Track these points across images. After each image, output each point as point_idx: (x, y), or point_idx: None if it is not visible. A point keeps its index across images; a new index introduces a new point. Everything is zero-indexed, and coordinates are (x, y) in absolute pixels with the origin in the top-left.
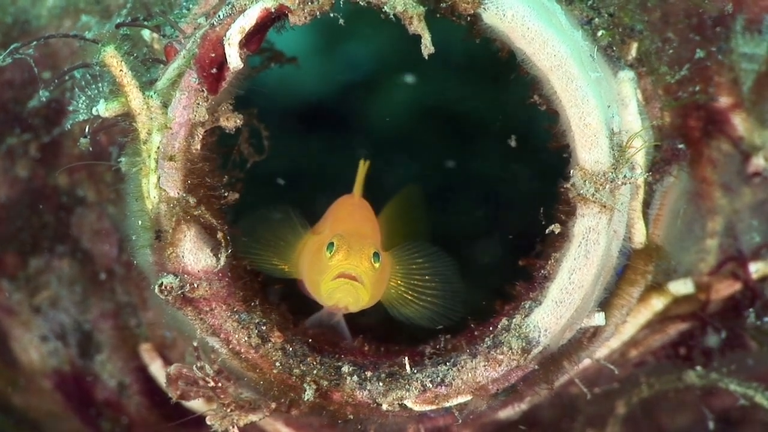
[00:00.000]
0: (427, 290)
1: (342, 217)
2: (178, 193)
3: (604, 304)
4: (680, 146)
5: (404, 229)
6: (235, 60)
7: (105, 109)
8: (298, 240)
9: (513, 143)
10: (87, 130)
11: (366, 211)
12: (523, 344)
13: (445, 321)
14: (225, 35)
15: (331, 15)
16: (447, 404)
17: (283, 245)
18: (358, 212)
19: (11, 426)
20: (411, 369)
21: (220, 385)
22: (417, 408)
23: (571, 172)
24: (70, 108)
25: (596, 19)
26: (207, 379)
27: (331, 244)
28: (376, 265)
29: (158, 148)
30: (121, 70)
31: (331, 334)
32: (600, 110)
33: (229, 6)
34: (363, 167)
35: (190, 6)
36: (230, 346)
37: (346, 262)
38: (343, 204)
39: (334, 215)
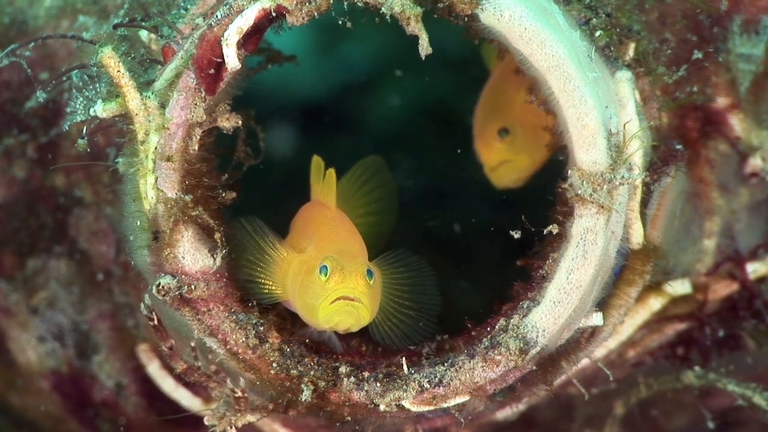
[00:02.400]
0: (407, 302)
1: (325, 235)
2: (176, 194)
3: (602, 305)
4: (678, 147)
5: (364, 206)
6: (233, 60)
7: (102, 110)
8: (279, 257)
9: (517, 235)
10: (84, 131)
11: (347, 224)
12: (521, 345)
13: (418, 339)
14: (223, 36)
15: (333, 14)
16: (445, 405)
17: (269, 261)
18: (341, 227)
19: (9, 426)
20: (408, 369)
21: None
22: (415, 409)
23: (569, 172)
24: (68, 109)
25: (594, 20)
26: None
27: (324, 267)
28: (371, 282)
29: (156, 148)
30: (118, 71)
31: (323, 347)
32: (598, 111)
33: (227, 6)
34: (331, 175)
35: (188, 6)
36: (228, 347)
37: (343, 285)
38: (321, 218)
39: (314, 231)
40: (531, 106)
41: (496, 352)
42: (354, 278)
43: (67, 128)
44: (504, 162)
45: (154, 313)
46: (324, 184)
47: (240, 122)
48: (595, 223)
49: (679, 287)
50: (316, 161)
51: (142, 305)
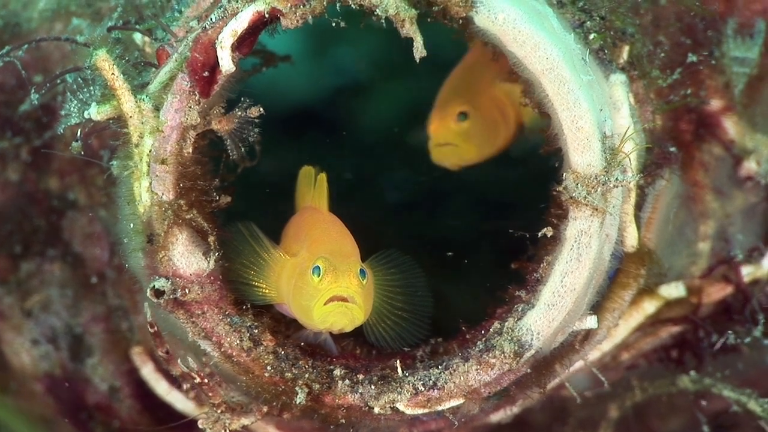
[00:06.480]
0: (399, 303)
1: (318, 237)
2: (170, 197)
3: (596, 308)
4: (672, 150)
5: None
6: (227, 63)
7: (97, 113)
8: (274, 260)
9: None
10: (79, 134)
11: (339, 227)
12: (516, 348)
13: (412, 340)
14: (217, 38)
15: (326, 16)
16: (439, 408)
17: (262, 264)
18: (333, 228)
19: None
20: (403, 372)
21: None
22: (409, 411)
23: (564, 175)
24: (62, 112)
25: (588, 23)
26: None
27: (317, 267)
28: (364, 281)
29: (150, 151)
30: (112, 74)
31: (318, 349)
32: (592, 113)
33: (222, 9)
34: (322, 180)
35: (182, 9)
36: (222, 350)
37: (336, 284)
38: (314, 221)
39: (307, 234)
40: (499, 99)
41: (490, 355)
42: (347, 278)
43: (61, 131)
44: (450, 144)
45: (150, 324)
46: (315, 189)
47: (261, 110)
48: (589, 226)
49: (673, 290)
50: (305, 171)
51: (147, 315)
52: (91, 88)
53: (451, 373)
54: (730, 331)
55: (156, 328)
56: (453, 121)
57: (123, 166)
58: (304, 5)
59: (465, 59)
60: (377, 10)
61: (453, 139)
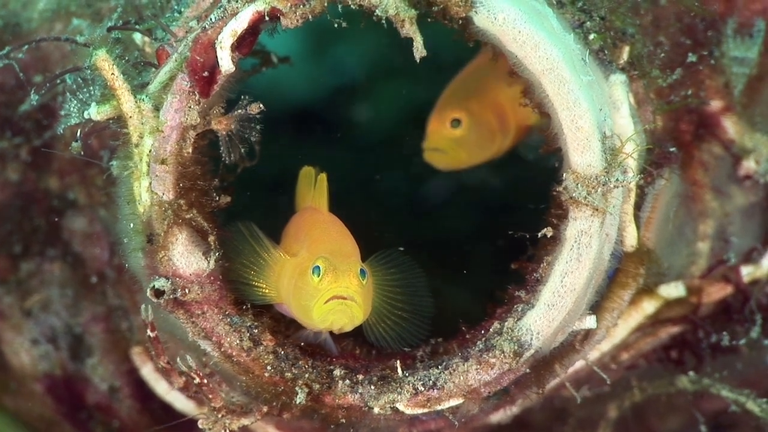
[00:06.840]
0: (400, 303)
1: (318, 237)
2: (170, 197)
3: (596, 308)
4: (672, 149)
5: None
6: (227, 63)
7: (96, 113)
8: (274, 260)
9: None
10: (78, 134)
11: (339, 227)
12: (515, 347)
13: (412, 340)
14: (217, 38)
15: (327, 17)
16: (439, 407)
17: (262, 264)
18: (332, 229)
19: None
20: (403, 372)
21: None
22: (409, 411)
23: (564, 175)
24: (62, 112)
25: (588, 23)
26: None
27: (317, 267)
28: (364, 281)
29: (150, 151)
30: (112, 74)
31: (318, 349)
32: (592, 113)
33: (221, 9)
34: (322, 180)
35: (182, 9)
36: (222, 350)
37: (336, 284)
38: (314, 221)
39: (306, 234)
40: (500, 105)
41: (490, 354)
42: (347, 277)
43: (61, 131)
44: (441, 150)
45: (151, 325)
46: (316, 189)
47: (262, 107)
48: (589, 226)
49: (673, 290)
50: (306, 172)
51: (143, 313)
52: (91, 88)
53: (450, 373)
54: (725, 332)
55: (155, 334)
56: (446, 127)
57: (123, 166)
58: (304, 5)
59: (473, 62)
60: (377, 10)
61: (444, 145)
